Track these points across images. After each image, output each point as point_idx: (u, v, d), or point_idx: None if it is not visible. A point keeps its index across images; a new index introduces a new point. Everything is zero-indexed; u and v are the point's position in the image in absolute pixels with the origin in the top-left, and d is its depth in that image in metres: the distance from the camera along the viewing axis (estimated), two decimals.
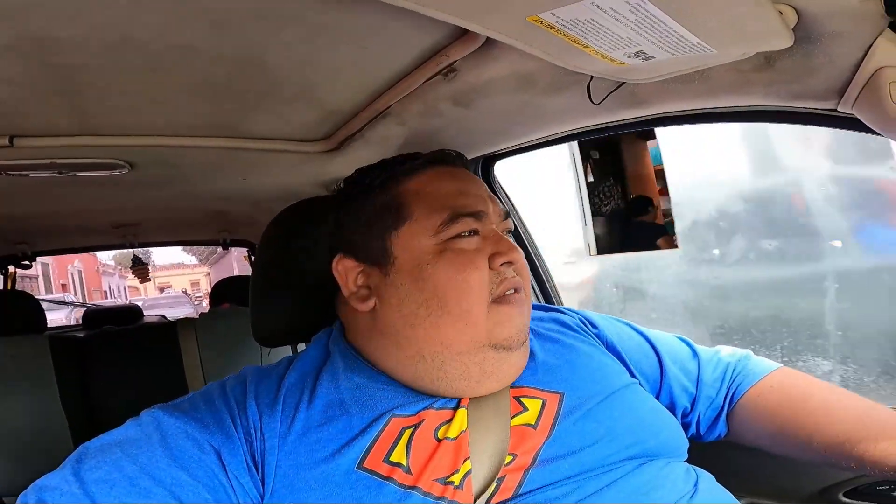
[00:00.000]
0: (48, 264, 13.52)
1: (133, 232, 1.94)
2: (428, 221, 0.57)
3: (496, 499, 0.48)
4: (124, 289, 21.21)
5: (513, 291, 0.56)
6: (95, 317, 2.34)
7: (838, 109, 0.53)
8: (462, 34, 0.57)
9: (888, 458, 0.54)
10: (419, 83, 0.66)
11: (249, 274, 2.63)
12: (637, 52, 0.49)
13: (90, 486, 0.43)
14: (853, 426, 0.58)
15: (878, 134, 0.51)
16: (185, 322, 1.72)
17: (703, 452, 0.64)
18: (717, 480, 0.56)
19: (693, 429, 0.69)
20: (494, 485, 0.48)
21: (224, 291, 2.08)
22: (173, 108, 0.75)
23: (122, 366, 1.58)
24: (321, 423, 0.51)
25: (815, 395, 0.64)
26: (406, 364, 0.56)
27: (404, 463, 0.48)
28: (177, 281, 27.24)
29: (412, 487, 0.47)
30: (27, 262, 1.95)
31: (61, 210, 1.46)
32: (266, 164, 1.07)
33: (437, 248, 0.56)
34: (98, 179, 1.03)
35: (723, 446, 0.69)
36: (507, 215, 0.62)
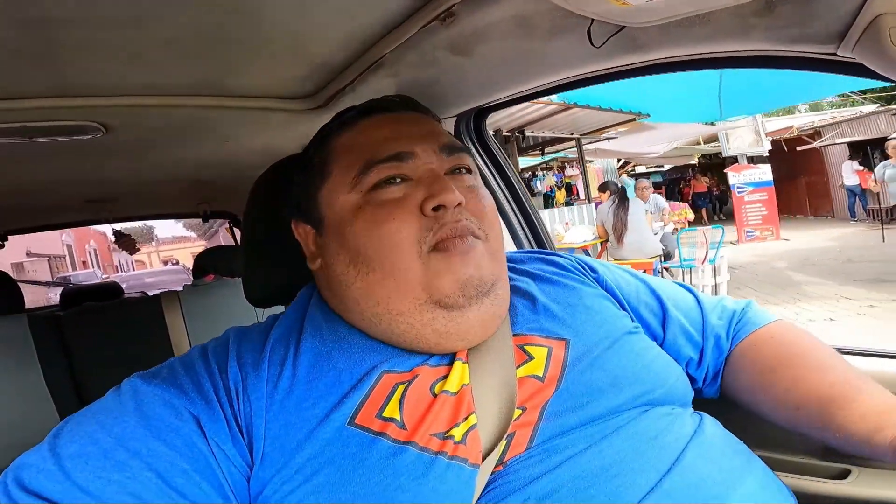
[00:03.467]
0: (70, 245, 16.85)
1: (107, 207, 1.86)
2: (345, 175, 0.54)
3: (508, 455, 0.46)
4: (132, 263, 23.72)
5: (455, 238, 0.51)
6: (73, 296, 2.27)
7: (838, 53, 0.53)
8: None
9: (851, 427, 0.50)
10: (415, 30, 0.64)
11: (232, 244, 2.58)
12: None
13: (65, 461, 0.42)
14: (828, 389, 0.55)
15: (879, 77, 0.52)
16: (169, 295, 1.68)
17: (706, 406, 0.62)
18: None
19: (699, 381, 0.65)
20: (505, 441, 0.47)
21: (206, 262, 2.03)
22: (154, 65, 0.71)
23: (107, 342, 1.54)
24: (309, 378, 0.49)
25: (805, 351, 0.61)
26: (360, 321, 0.53)
27: (398, 418, 0.46)
28: (180, 254, 27.73)
29: (407, 442, 0.45)
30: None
31: (30, 185, 1.38)
32: (249, 124, 1.04)
33: (358, 202, 0.53)
34: (70, 146, 0.98)
35: (727, 400, 0.66)
36: (454, 150, 0.56)
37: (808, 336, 0.63)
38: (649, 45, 0.63)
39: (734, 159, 9.65)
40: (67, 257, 16.29)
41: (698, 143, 10.79)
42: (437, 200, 0.51)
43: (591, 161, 10.21)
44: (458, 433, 0.46)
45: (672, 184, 15.33)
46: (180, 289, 1.75)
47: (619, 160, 10.96)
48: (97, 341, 1.54)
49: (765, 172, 9.23)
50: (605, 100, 5.59)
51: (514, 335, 0.55)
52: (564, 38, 0.64)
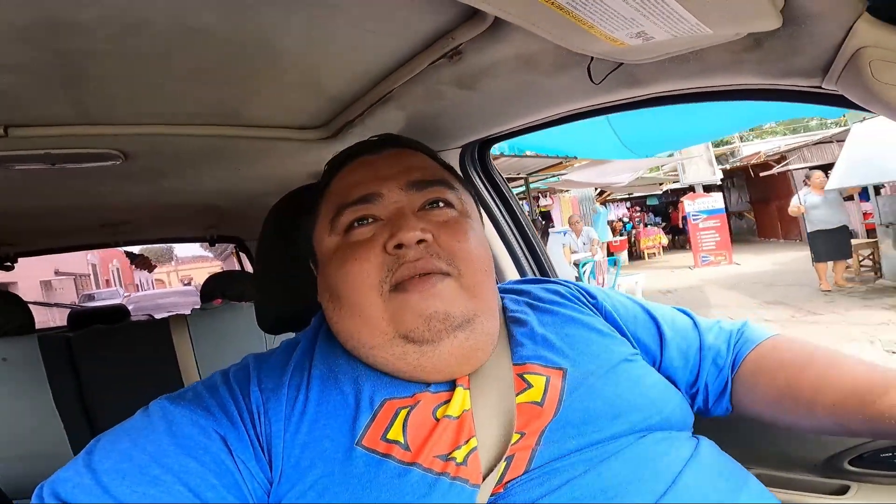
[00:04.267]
0: (95, 264, 18.04)
1: (120, 230, 1.90)
2: (326, 219, 0.58)
3: (508, 476, 0.48)
4: (152, 282, 24.58)
5: (414, 277, 0.51)
6: (81, 318, 2.29)
7: (822, 86, 0.56)
8: (469, 17, 0.58)
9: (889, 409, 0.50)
10: (423, 66, 0.68)
11: (239, 269, 2.60)
12: (639, 33, 0.52)
13: (102, 476, 0.44)
14: (859, 381, 0.54)
15: (860, 109, 0.54)
16: (178, 319, 1.70)
17: (707, 425, 0.63)
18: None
19: (700, 401, 0.66)
20: (505, 463, 0.48)
21: (214, 287, 2.06)
22: (174, 95, 0.75)
23: (115, 365, 1.55)
24: (319, 400, 0.51)
25: (816, 355, 0.61)
26: (354, 354, 0.56)
27: (401, 440, 0.48)
28: (198, 273, 28.95)
29: (412, 464, 0.47)
30: (9, 264, 1.90)
31: (46, 209, 1.43)
32: (262, 152, 1.07)
33: (337, 243, 0.56)
34: (88, 172, 1.02)
35: (727, 419, 0.67)
36: (424, 185, 0.57)
37: (813, 343, 0.64)
38: (646, 80, 0.66)
39: (692, 188, 10.23)
40: (92, 276, 17.41)
41: (657, 172, 11.36)
42: (395, 240, 0.52)
43: (565, 191, 10.88)
44: (459, 455, 0.48)
45: (666, 207, 15.58)
46: (188, 312, 1.76)
47: (596, 189, 11.37)
48: (105, 362, 1.55)
49: (717, 201, 9.79)
50: (534, 146, 5.78)
51: (513, 364, 0.56)
52: (566, 74, 0.68)
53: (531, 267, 1.16)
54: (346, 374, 0.54)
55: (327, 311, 0.58)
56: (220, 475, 0.46)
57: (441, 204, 0.57)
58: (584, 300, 0.68)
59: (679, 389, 0.63)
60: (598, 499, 0.45)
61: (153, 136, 0.88)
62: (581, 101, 0.75)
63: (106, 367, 1.54)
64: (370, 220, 0.55)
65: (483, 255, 0.57)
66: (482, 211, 1.11)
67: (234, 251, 2.59)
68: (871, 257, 6.60)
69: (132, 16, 0.50)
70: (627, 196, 14.66)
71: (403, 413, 0.50)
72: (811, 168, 7.61)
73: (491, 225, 1.14)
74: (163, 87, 0.71)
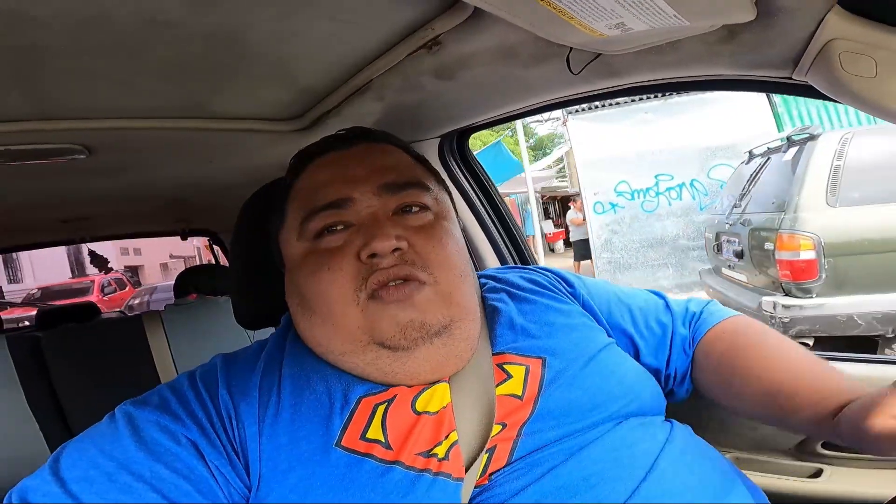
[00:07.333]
0: (199, 247, 18.62)
1: (84, 227, 1.82)
2: (294, 222, 0.55)
3: (491, 468, 0.48)
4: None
5: (393, 283, 0.50)
6: (50, 316, 2.20)
7: (793, 77, 0.58)
8: (449, 7, 0.57)
9: (816, 415, 0.52)
10: (401, 57, 0.66)
11: (214, 262, 2.53)
12: (618, 24, 0.52)
13: (71, 484, 0.43)
14: (791, 376, 0.56)
15: (830, 99, 0.56)
16: (151, 315, 1.65)
17: (680, 408, 0.64)
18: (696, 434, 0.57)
19: (670, 384, 0.67)
20: (487, 455, 0.48)
21: (188, 281, 2.00)
22: (139, 89, 0.71)
23: (89, 364, 1.50)
24: (293, 402, 0.50)
25: (761, 343, 0.62)
26: (323, 358, 0.54)
27: (382, 439, 0.48)
28: None
29: (393, 462, 0.46)
30: None
31: (3, 206, 1.35)
32: (233, 145, 1.04)
33: (306, 249, 0.54)
34: (50, 168, 0.97)
35: (700, 402, 0.68)
36: (399, 188, 0.55)
37: (767, 329, 0.65)
38: (624, 71, 0.66)
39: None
40: (197, 258, 18.55)
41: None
42: (369, 249, 0.50)
43: (506, 194, 12.05)
44: (441, 451, 0.48)
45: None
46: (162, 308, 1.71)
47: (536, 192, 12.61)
48: (77, 363, 1.50)
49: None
50: None
51: (493, 354, 0.56)
52: (545, 64, 0.67)
53: (511, 254, 1.17)
54: (320, 373, 0.53)
55: (295, 315, 0.56)
56: (195, 481, 0.45)
57: (416, 209, 0.55)
58: (562, 288, 0.69)
59: (652, 374, 0.64)
60: (581, 486, 0.46)
61: (118, 131, 0.84)
62: (560, 91, 0.75)
63: (79, 368, 1.49)
64: (340, 226, 0.53)
65: (460, 259, 0.56)
66: (460, 200, 1.12)
67: (206, 245, 2.52)
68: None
69: (90, 9, 0.47)
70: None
71: (381, 409, 0.50)
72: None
73: (471, 213, 1.14)
74: (126, 81, 0.67)
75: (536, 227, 10.09)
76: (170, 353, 1.59)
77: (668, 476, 0.48)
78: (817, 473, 0.76)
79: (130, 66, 0.63)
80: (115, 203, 1.60)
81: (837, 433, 0.50)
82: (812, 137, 3.01)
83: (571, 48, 0.62)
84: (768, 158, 3.53)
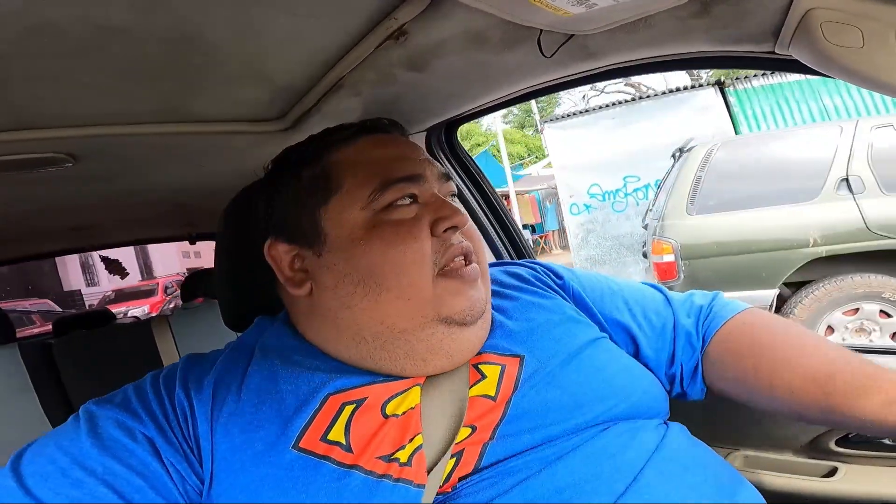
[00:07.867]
0: None
1: (92, 234, 1.86)
2: (358, 192, 0.53)
3: (457, 474, 0.45)
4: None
5: (462, 259, 0.53)
6: (64, 324, 2.26)
7: (776, 51, 0.54)
8: None
9: (858, 407, 0.49)
10: (370, 50, 0.65)
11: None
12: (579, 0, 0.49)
13: (27, 479, 0.44)
14: (821, 368, 0.52)
15: (816, 73, 0.53)
16: (160, 320, 1.68)
17: (688, 407, 0.61)
18: (705, 434, 0.53)
19: (678, 384, 0.63)
20: (454, 460, 0.46)
21: (196, 285, 2.03)
22: (110, 93, 0.71)
23: (100, 369, 1.54)
24: (255, 402, 0.49)
25: (782, 334, 0.59)
26: (347, 346, 0.53)
27: (343, 441, 0.46)
28: None
29: (352, 466, 0.45)
30: None
31: (8, 215, 1.39)
32: (220, 148, 1.04)
33: (371, 220, 0.52)
34: (45, 177, 0.98)
35: (709, 400, 0.64)
36: (447, 177, 0.58)
37: (782, 320, 0.62)
38: (599, 53, 0.63)
39: None
40: None
41: None
42: (451, 222, 0.52)
43: (525, 191, 12.32)
44: (403, 455, 0.46)
45: None
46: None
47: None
48: (88, 368, 1.54)
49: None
50: None
51: None
52: (517, 49, 0.65)
53: (507, 248, 1.15)
54: (289, 370, 0.51)
55: (349, 296, 0.52)
56: (148, 477, 0.46)
57: (455, 197, 0.59)
58: (551, 281, 0.66)
59: (655, 372, 0.61)
60: (553, 499, 0.43)
61: (100, 137, 0.84)
62: (538, 77, 0.73)
63: (89, 373, 1.53)
64: (409, 200, 0.54)
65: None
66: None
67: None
68: None
69: (31, 17, 0.46)
70: None
71: (348, 410, 0.48)
72: None
73: (462, 208, 1.12)
74: (94, 86, 0.67)
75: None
76: (178, 356, 1.62)
77: (653, 488, 0.45)
78: (832, 472, 0.71)
79: (92, 71, 0.62)
80: (121, 209, 1.63)
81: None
82: (690, 150, 3.36)
83: (542, 30, 0.60)
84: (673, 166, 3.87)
